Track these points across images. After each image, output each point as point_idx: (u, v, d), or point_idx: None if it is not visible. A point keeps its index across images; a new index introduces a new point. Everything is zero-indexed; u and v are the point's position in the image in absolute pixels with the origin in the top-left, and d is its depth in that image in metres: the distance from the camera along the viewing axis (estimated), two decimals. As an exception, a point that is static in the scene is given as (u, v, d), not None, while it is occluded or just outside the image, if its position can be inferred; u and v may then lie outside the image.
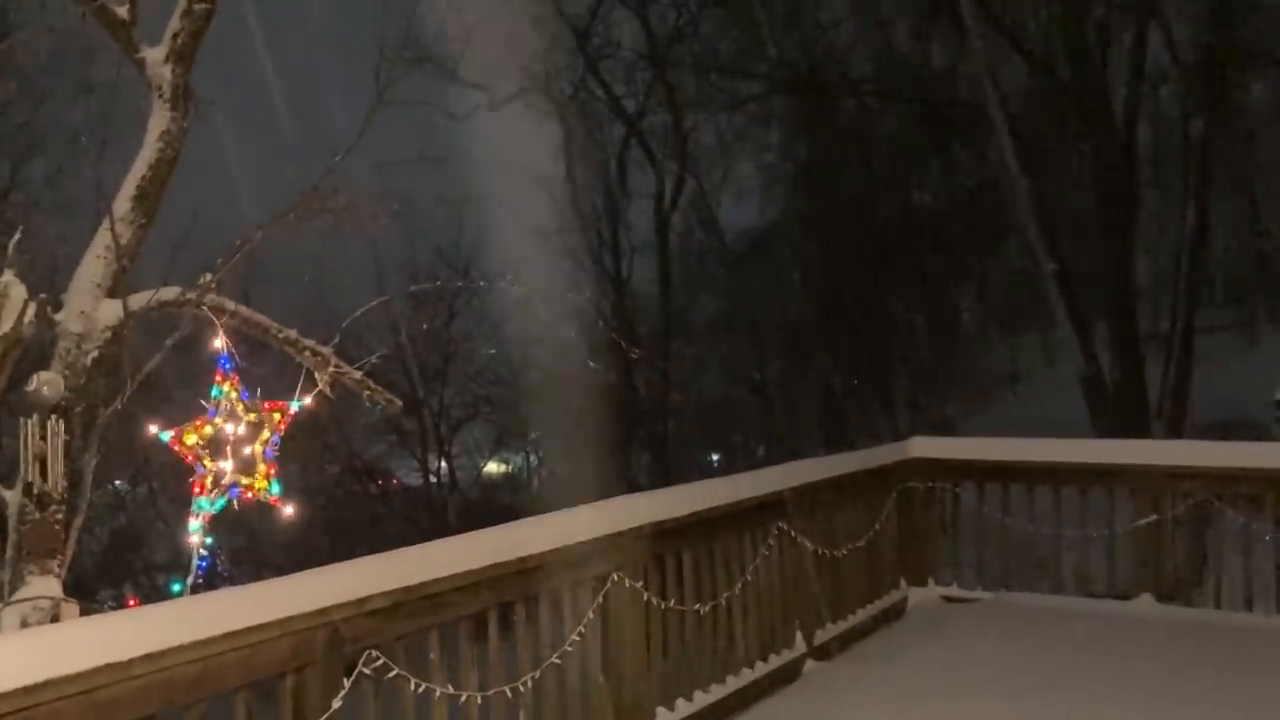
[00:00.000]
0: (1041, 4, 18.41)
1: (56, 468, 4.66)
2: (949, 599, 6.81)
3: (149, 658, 2.69)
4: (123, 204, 4.82)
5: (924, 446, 7.03)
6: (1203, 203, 18.17)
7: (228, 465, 4.48)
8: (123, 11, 4.86)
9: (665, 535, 4.68)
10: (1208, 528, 6.55)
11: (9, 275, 4.74)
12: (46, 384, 4.72)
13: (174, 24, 4.90)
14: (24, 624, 4.67)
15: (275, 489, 4.59)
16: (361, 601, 3.31)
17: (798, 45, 24.00)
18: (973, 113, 21.16)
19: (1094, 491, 6.57)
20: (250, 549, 18.65)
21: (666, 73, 25.23)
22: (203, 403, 4.51)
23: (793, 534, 5.63)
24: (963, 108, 22.00)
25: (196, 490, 4.48)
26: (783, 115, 26.01)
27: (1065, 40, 17.62)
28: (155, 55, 4.92)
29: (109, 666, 2.59)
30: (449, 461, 26.05)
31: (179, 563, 16.21)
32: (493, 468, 27.56)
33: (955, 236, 23.70)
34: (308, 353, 5.00)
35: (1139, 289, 19.05)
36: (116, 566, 19.28)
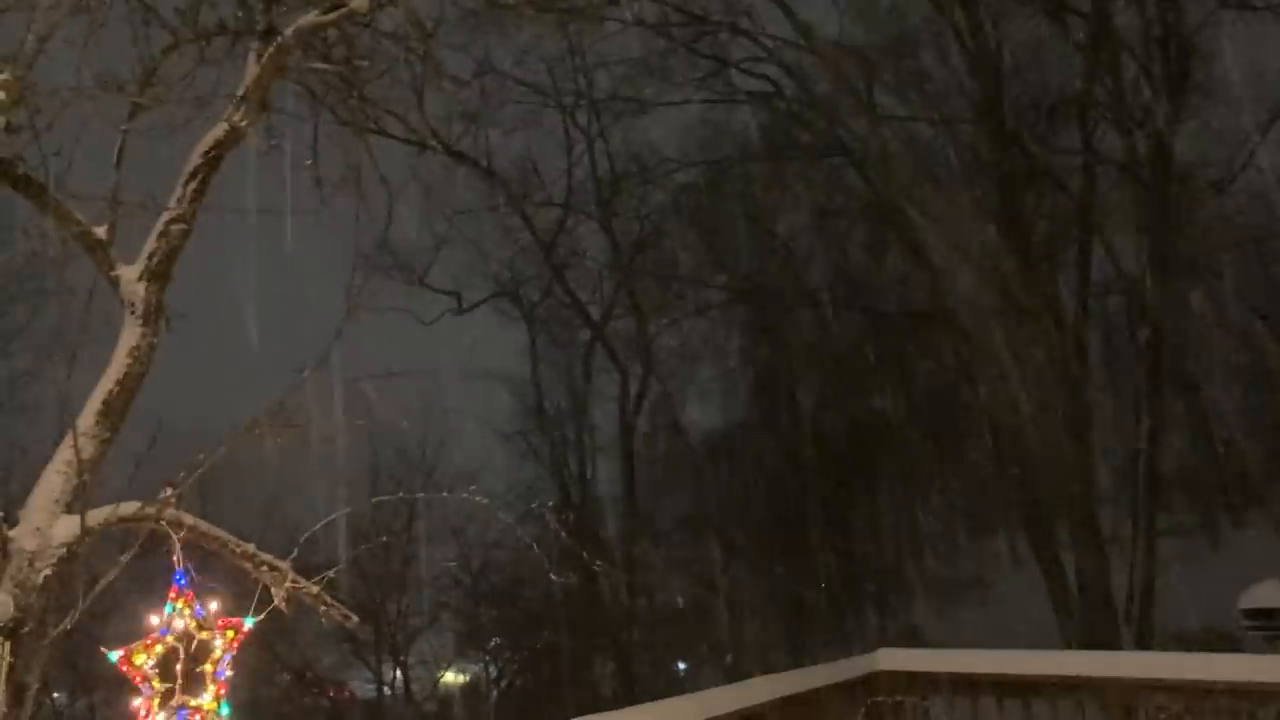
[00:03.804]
0: (987, 219, 19.26)
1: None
2: (923, 822, 6.56)
3: None
4: (87, 419, 4.79)
5: (891, 659, 6.90)
6: (1155, 406, 18.58)
7: (176, 686, 4.32)
8: (101, 232, 4.97)
9: (629, 759, 4.53)
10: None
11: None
12: (-4, 606, 4.57)
13: (150, 244, 4.99)
14: None
15: (225, 710, 4.42)
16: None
17: (756, 256, 24.90)
18: (926, 321, 21.86)
19: (1065, 704, 6.44)
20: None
21: (630, 281, 25.98)
22: (154, 620, 4.38)
23: (761, 755, 5.46)
24: (917, 316, 22.70)
25: (143, 713, 4.30)
26: (743, 322, 26.72)
27: (1012, 253, 18.37)
28: (130, 274, 4.98)
29: None
30: (404, 671, 25.17)
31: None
32: (450, 678, 26.63)
33: (916, 440, 24.01)
34: (265, 567, 4.88)
35: (1099, 492, 19.22)
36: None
